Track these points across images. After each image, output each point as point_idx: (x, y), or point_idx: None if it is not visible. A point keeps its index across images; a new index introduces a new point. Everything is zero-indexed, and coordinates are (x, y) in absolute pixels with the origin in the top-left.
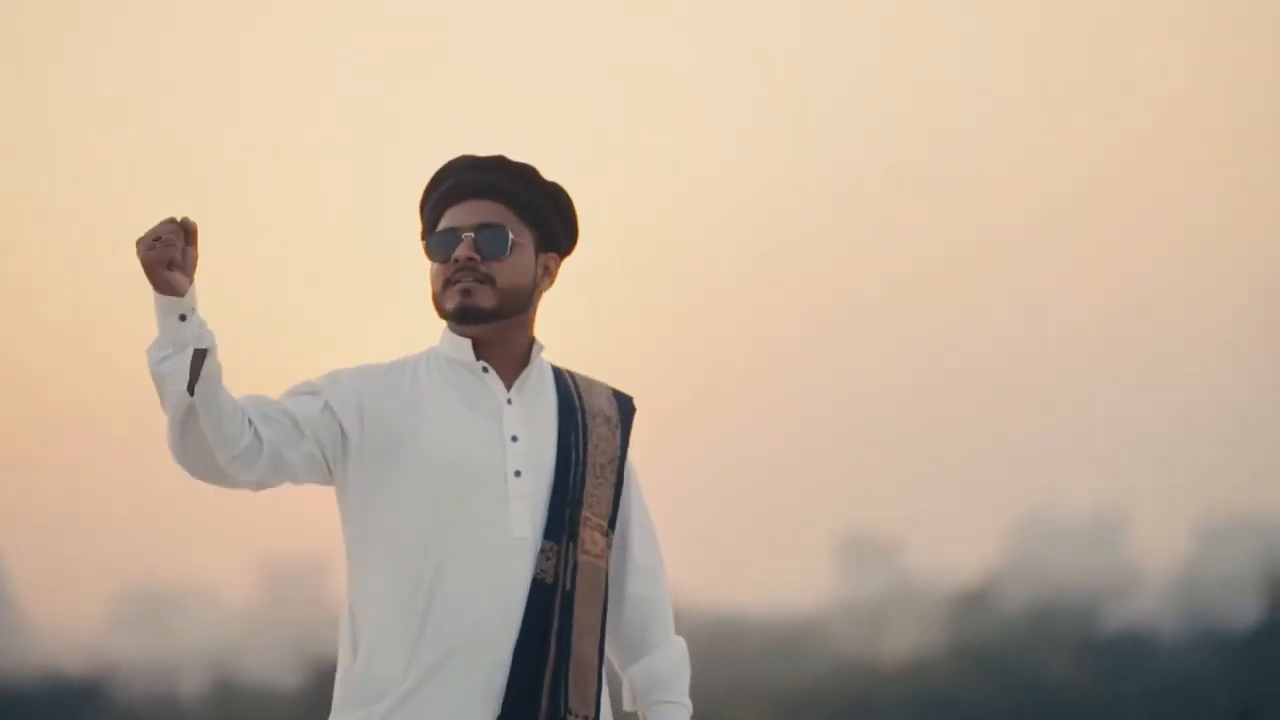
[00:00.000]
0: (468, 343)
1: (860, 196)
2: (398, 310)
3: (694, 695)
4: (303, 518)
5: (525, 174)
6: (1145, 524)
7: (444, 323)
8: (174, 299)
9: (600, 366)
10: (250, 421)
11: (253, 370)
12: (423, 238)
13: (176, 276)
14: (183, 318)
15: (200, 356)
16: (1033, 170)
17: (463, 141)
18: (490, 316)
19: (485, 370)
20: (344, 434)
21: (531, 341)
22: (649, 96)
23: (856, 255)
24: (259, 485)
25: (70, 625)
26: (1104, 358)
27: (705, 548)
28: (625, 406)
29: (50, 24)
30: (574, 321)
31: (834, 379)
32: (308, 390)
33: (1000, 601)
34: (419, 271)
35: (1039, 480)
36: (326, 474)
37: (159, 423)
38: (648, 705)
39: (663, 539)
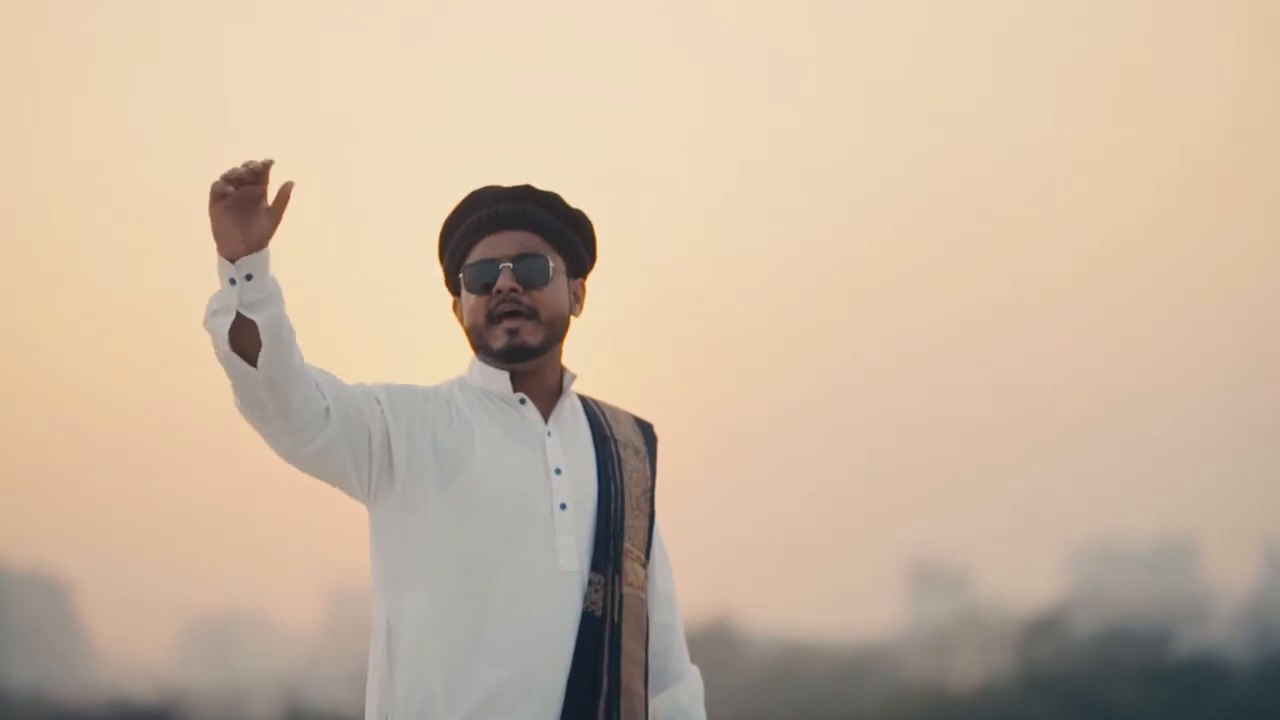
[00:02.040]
0: (505, 375)
1: (916, 226)
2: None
3: None
4: (365, 545)
5: (553, 202)
6: (1214, 550)
7: (471, 355)
8: (225, 262)
9: (665, 394)
10: (323, 395)
11: None
12: (447, 271)
13: (231, 236)
14: (232, 281)
15: (245, 323)
16: (1079, 195)
17: (486, 171)
18: (538, 353)
19: (523, 402)
20: (390, 447)
21: (563, 371)
22: (678, 134)
23: (918, 283)
24: (308, 461)
25: (139, 654)
26: (1172, 383)
27: (773, 576)
28: (649, 435)
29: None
30: (633, 348)
31: (903, 407)
32: (368, 392)
33: (1069, 628)
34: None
35: (1107, 507)
36: (367, 475)
37: (225, 456)
38: None
39: (730, 567)
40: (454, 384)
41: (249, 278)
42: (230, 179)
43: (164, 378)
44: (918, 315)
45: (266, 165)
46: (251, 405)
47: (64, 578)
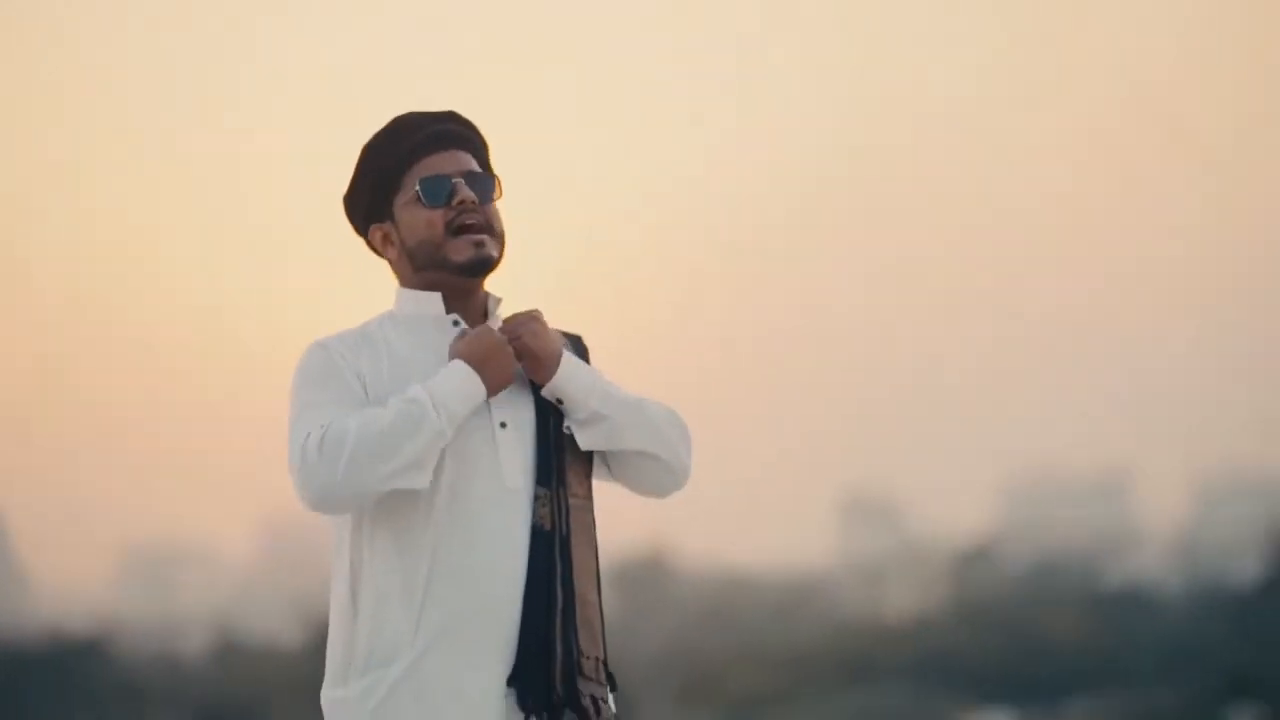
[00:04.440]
0: (437, 296)
1: (863, 171)
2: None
3: (699, 654)
4: None
5: (478, 129)
6: (1146, 483)
7: (398, 285)
8: (480, 390)
9: (600, 324)
10: None
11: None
12: (375, 198)
13: (506, 378)
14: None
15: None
16: (1033, 143)
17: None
18: (493, 267)
19: (456, 323)
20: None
21: (487, 295)
22: (632, 72)
23: (860, 226)
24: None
25: (74, 585)
26: (1105, 320)
27: (709, 511)
28: (579, 345)
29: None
30: (590, 290)
31: (837, 344)
32: (338, 382)
33: (1002, 561)
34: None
35: (1040, 441)
36: None
37: (162, 388)
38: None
39: (665, 501)
40: (381, 320)
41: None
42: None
43: (101, 309)
44: (855, 251)
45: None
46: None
47: (0, 511)
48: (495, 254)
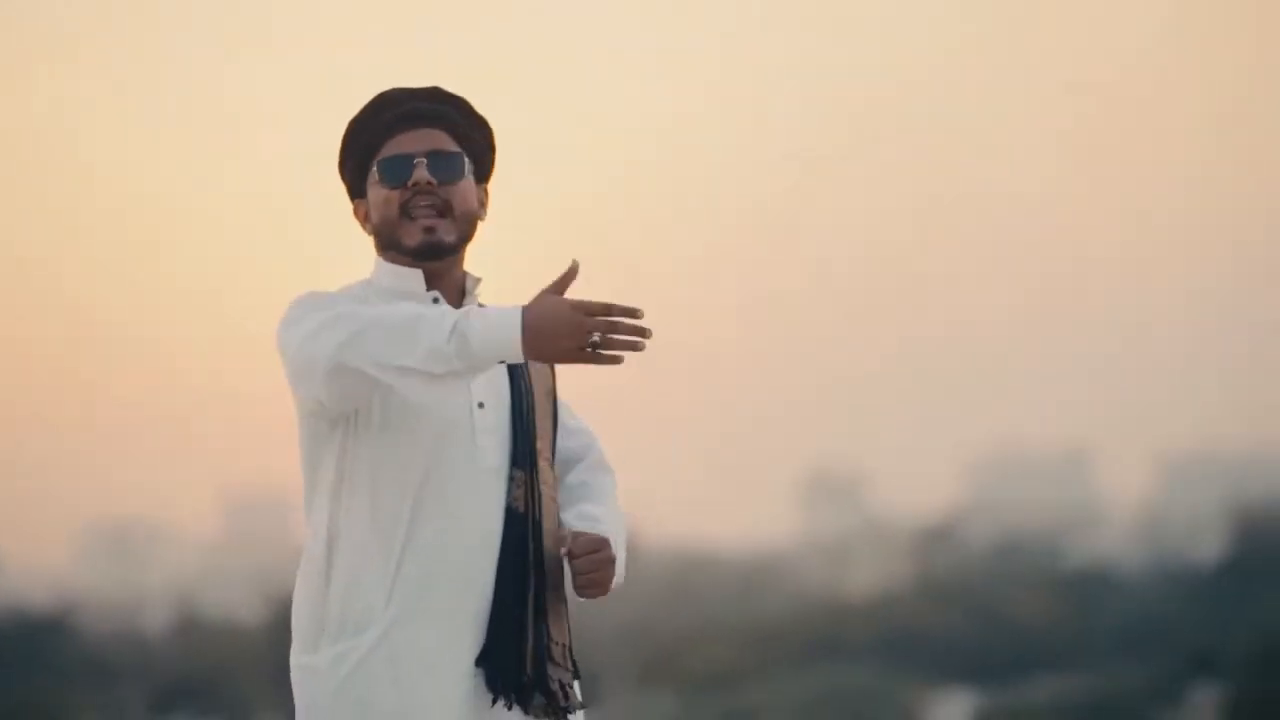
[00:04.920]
0: (418, 273)
1: (828, 151)
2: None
3: (662, 631)
4: (263, 453)
5: (462, 104)
6: (1109, 461)
7: (376, 256)
8: (516, 349)
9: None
10: None
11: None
12: (353, 172)
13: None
14: (502, 360)
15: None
16: (1001, 124)
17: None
18: (452, 250)
19: (436, 301)
20: None
21: (465, 274)
22: (640, 51)
23: (825, 204)
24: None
25: (35, 561)
26: (1070, 301)
27: (670, 486)
28: None
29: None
30: (553, 256)
31: (800, 321)
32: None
33: (965, 538)
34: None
35: (1003, 417)
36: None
37: (124, 365)
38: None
39: (628, 479)
40: (362, 287)
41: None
42: (621, 332)
43: (65, 288)
44: (823, 234)
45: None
46: (363, 392)
47: None
48: (449, 239)
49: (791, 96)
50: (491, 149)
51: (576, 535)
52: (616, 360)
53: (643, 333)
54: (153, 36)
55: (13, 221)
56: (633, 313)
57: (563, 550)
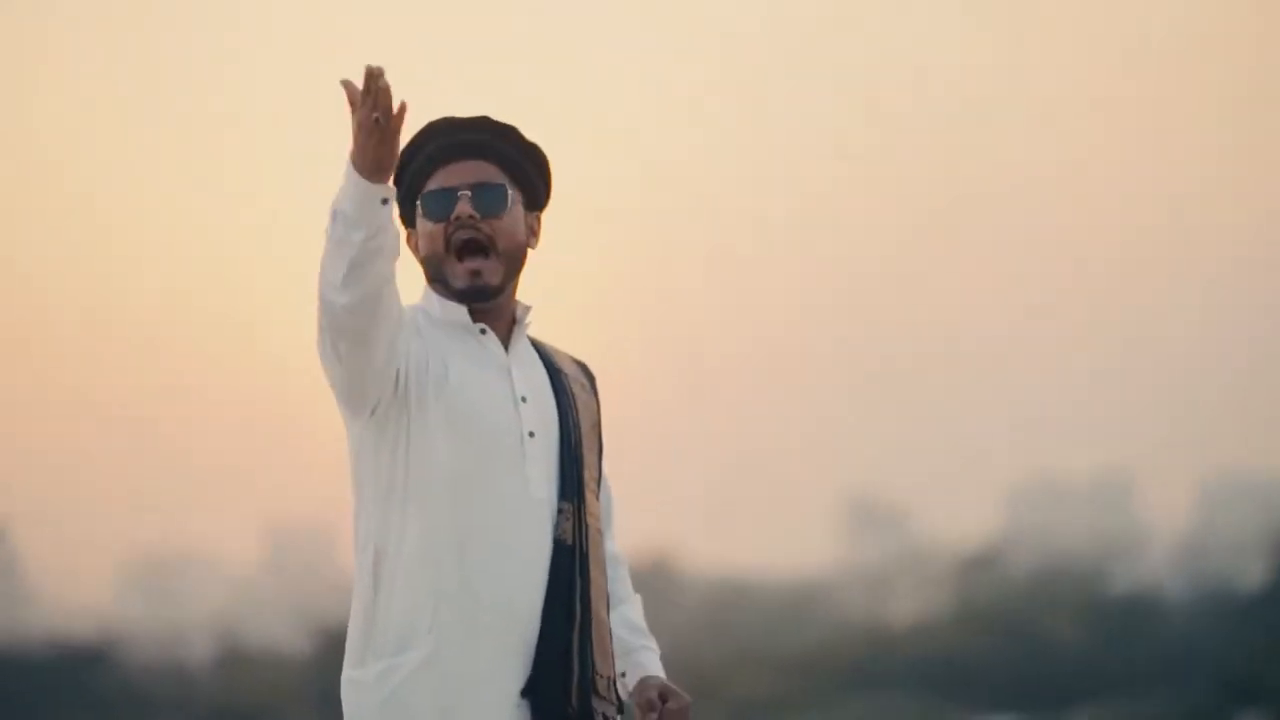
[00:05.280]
0: (463, 309)
1: (863, 169)
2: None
3: (700, 660)
4: (305, 485)
5: (511, 134)
6: (1150, 487)
7: (425, 284)
8: (380, 186)
9: (614, 332)
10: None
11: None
12: (401, 203)
13: (388, 161)
14: (384, 202)
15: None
16: (1029, 142)
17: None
18: (498, 292)
19: (484, 332)
20: (401, 368)
21: (517, 304)
22: (632, 77)
23: (861, 226)
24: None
25: (77, 593)
26: (1107, 323)
27: (711, 513)
28: (588, 373)
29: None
30: (574, 289)
31: (839, 346)
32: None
33: (1005, 565)
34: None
35: (1044, 445)
36: (378, 384)
37: (164, 394)
38: (629, 650)
39: (669, 504)
40: (414, 312)
41: (384, 202)
42: (380, 109)
43: (99, 316)
44: (856, 252)
45: (377, 82)
46: (366, 311)
47: (0, 518)
48: (494, 281)
49: (832, 101)
50: (544, 176)
51: (664, 693)
52: (387, 116)
53: (373, 75)
54: (154, 38)
55: (57, 245)
56: (372, 74)
57: (643, 700)
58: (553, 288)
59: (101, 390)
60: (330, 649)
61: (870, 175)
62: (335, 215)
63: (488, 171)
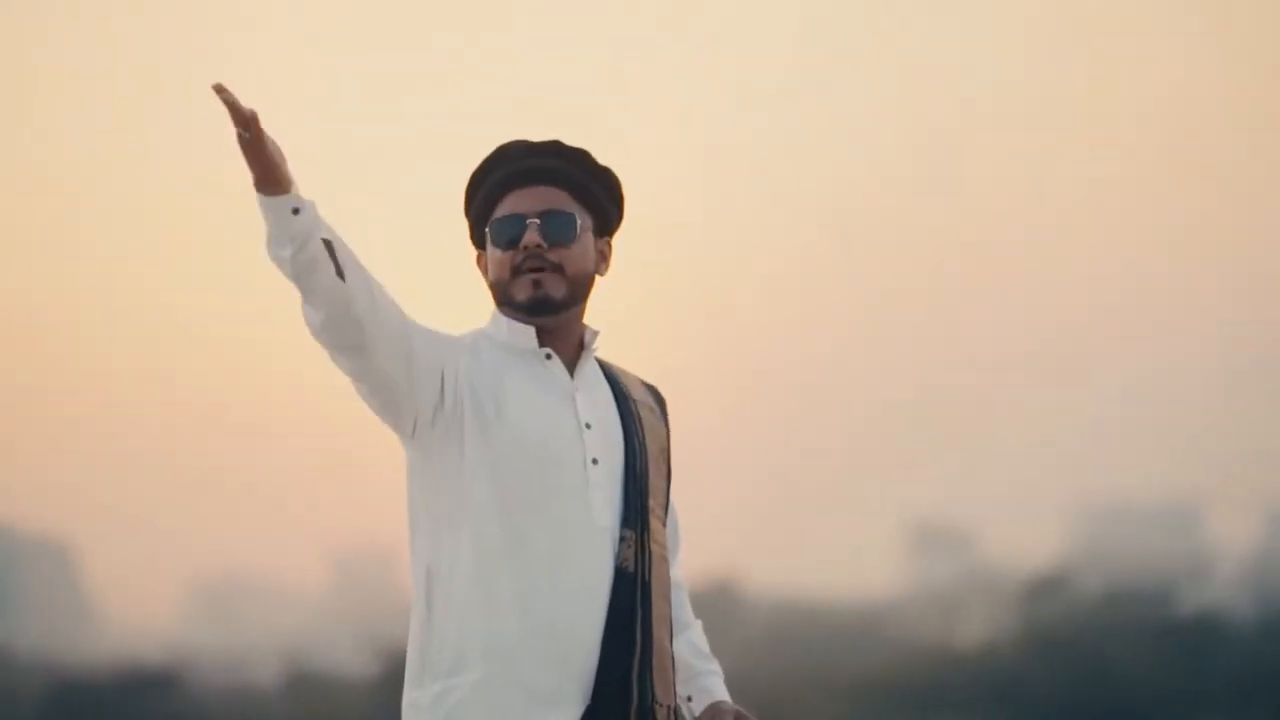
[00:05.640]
0: (530, 330)
1: (928, 188)
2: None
3: (764, 682)
4: (370, 508)
5: (581, 159)
6: (1219, 509)
7: (493, 308)
8: (285, 197)
9: (669, 354)
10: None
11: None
12: (472, 225)
13: (285, 169)
14: (295, 211)
15: (326, 244)
16: (1081, 150)
17: (494, 132)
18: (561, 307)
19: (549, 357)
20: (443, 387)
21: (585, 328)
22: (675, 93)
23: (918, 236)
24: (377, 377)
25: (144, 617)
26: (1177, 341)
27: (776, 535)
28: (659, 397)
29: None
30: (635, 309)
31: (908, 365)
32: (428, 330)
33: (1073, 588)
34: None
35: (1111, 465)
36: (413, 406)
37: (229, 417)
38: (695, 675)
39: (733, 529)
40: (477, 335)
41: (295, 211)
42: (238, 124)
43: (168, 341)
44: (919, 270)
45: (225, 96)
46: (341, 325)
47: (69, 542)
48: (556, 294)
49: (900, 119)
50: (615, 201)
51: (737, 718)
52: (245, 127)
53: (216, 92)
54: (155, 39)
55: (123, 264)
56: (215, 91)
57: None
58: (615, 308)
59: (167, 414)
60: (396, 671)
61: (935, 194)
62: (266, 244)
63: (557, 198)
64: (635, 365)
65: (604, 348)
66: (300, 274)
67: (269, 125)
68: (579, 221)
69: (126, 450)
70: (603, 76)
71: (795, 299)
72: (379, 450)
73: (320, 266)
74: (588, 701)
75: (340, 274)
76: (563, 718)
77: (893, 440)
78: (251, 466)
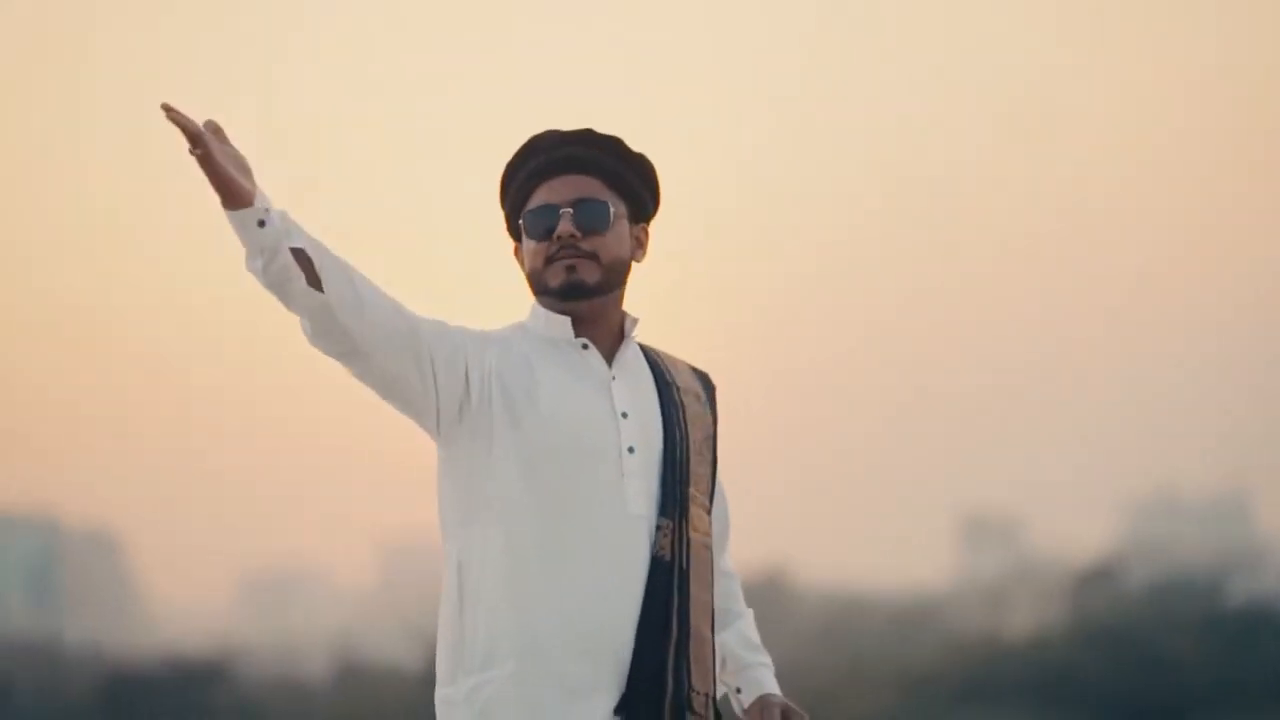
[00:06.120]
0: (566, 320)
1: (967, 176)
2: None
3: (814, 674)
4: (417, 498)
5: (614, 146)
6: (1269, 500)
7: (532, 300)
8: (248, 210)
9: (717, 345)
10: (400, 315)
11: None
12: (508, 217)
13: (243, 183)
14: (261, 223)
15: (300, 253)
16: (1113, 123)
17: (527, 123)
18: (595, 292)
19: (585, 347)
20: (468, 382)
21: (624, 315)
22: (715, 81)
23: (964, 226)
24: (387, 381)
25: (193, 609)
26: (1229, 331)
27: (825, 528)
28: (707, 383)
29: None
30: (684, 297)
31: (956, 358)
32: (440, 322)
33: (1123, 579)
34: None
35: (1162, 458)
36: (434, 403)
37: (281, 411)
38: (744, 667)
39: (783, 521)
40: (514, 329)
41: (261, 224)
42: (188, 139)
43: (217, 334)
44: (969, 264)
45: (172, 116)
46: (328, 333)
47: (119, 534)
48: (590, 280)
49: (945, 120)
50: (650, 187)
51: (785, 712)
52: (197, 144)
53: (166, 108)
54: (159, 39)
55: (174, 260)
56: (164, 112)
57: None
58: (666, 299)
59: (217, 412)
60: None
61: (984, 186)
62: (245, 259)
63: (590, 187)
64: (682, 356)
65: (656, 339)
66: (274, 285)
67: (310, 126)
68: (612, 209)
69: (176, 444)
70: (639, 75)
71: (845, 293)
72: (426, 442)
73: (292, 276)
74: (623, 690)
75: (315, 283)
76: (598, 709)
77: (942, 433)
78: (300, 460)
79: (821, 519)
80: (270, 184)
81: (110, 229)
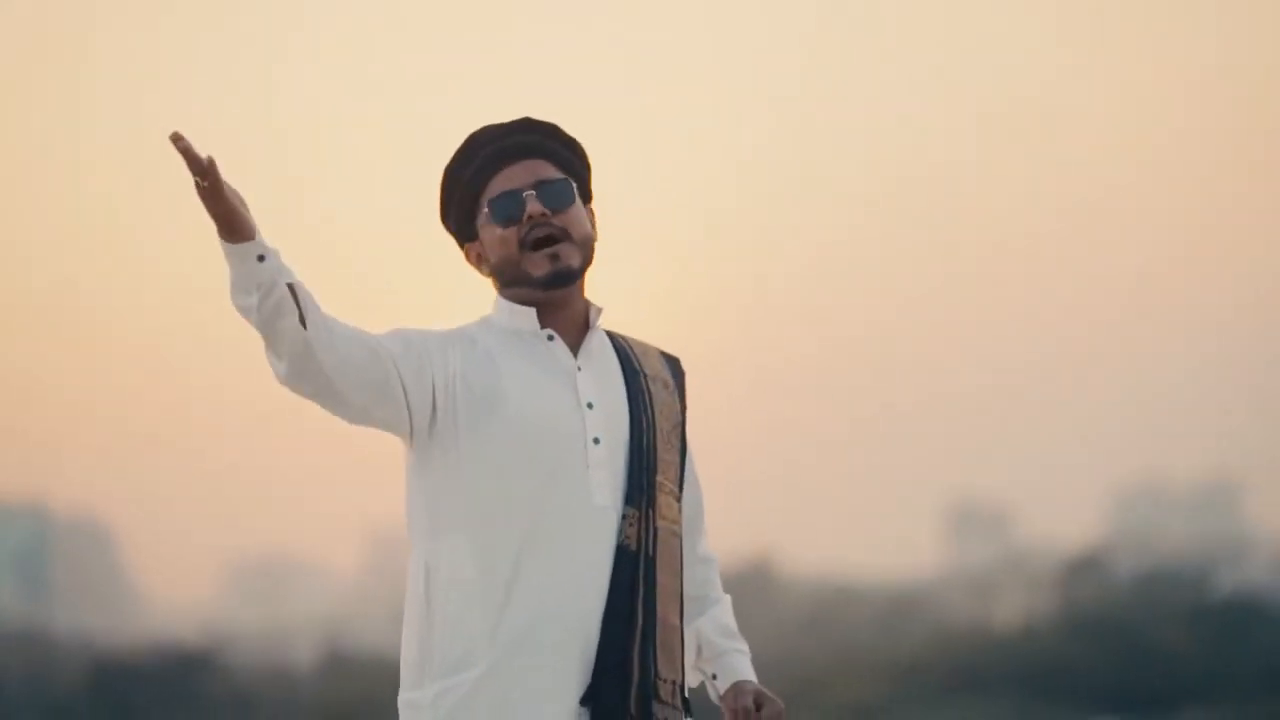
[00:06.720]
0: (531, 311)
1: (965, 171)
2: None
3: (802, 664)
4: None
5: (555, 131)
6: (1255, 491)
7: (496, 293)
8: (249, 244)
9: (707, 334)
10: (364, 342)
11: None
12: (458, 217)
13: (248, 216)
14: (261, 258)
15: (292, 290)
16: (1107, 123)
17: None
18: (578, 275)
19: (551, 338)
20: (434, 395)
21: (588, 304)
22: (711, 77)
23: (955, 220)
24: (362, 410)
25: (183, 597)
26: (1215, 323)
27: (814, 518)
28: (677, 368)
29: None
30: (674, 287)
31: (943, 348)
32: (401, 338)
33: (1110, 569)
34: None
35: (1148, 449)
36: (408, 418)
37: (269, 401)
38: (720, 654)
39: (771, 509)
40: (479, 324)
41: (260, 258)
42: (195, 173)
43: (206, 327)
44: (956, 253)
45: (181, 145)
46: (304, 372)
47: (109, 524)
48: (575, 263)
49: (945, 115)
50: (588, 167)
51: (758, 699)
52: (203, 176)
53: (173, 141)
54: (161, 40)
55: (165, 257)
56: (172, 140)
57: (738, 706)
58: (657, 290)
59: (206, 401)
60: None
61: (981, 181)
62: (231, 294)
63: (546, 169)
64: (675, 347)
65: (655, 336)
66: (266, 321)
67: (303, 130)
68: (573, 186)
69: (165, 435)
70: (639, 75)
71: (835, 283)
72: None
73: (285, 312)
74: (587, 682)
75: (303, 320)
76: (565, 703)
77: (931, 423)
78: (288, 450)
79: (810, 508)
80: (270, 184)
81: (110, 229)
